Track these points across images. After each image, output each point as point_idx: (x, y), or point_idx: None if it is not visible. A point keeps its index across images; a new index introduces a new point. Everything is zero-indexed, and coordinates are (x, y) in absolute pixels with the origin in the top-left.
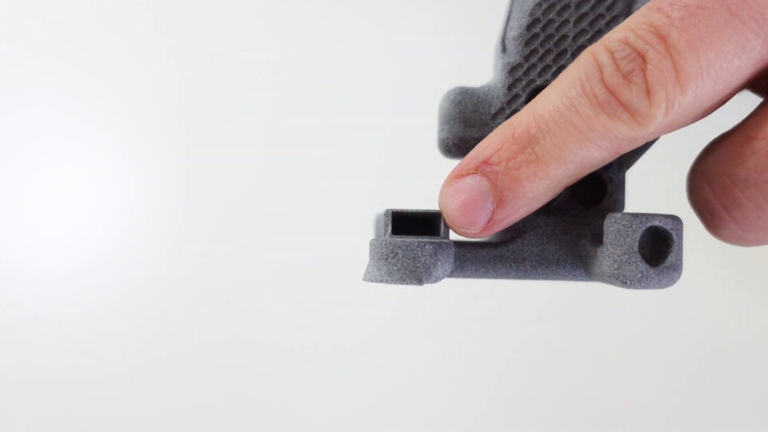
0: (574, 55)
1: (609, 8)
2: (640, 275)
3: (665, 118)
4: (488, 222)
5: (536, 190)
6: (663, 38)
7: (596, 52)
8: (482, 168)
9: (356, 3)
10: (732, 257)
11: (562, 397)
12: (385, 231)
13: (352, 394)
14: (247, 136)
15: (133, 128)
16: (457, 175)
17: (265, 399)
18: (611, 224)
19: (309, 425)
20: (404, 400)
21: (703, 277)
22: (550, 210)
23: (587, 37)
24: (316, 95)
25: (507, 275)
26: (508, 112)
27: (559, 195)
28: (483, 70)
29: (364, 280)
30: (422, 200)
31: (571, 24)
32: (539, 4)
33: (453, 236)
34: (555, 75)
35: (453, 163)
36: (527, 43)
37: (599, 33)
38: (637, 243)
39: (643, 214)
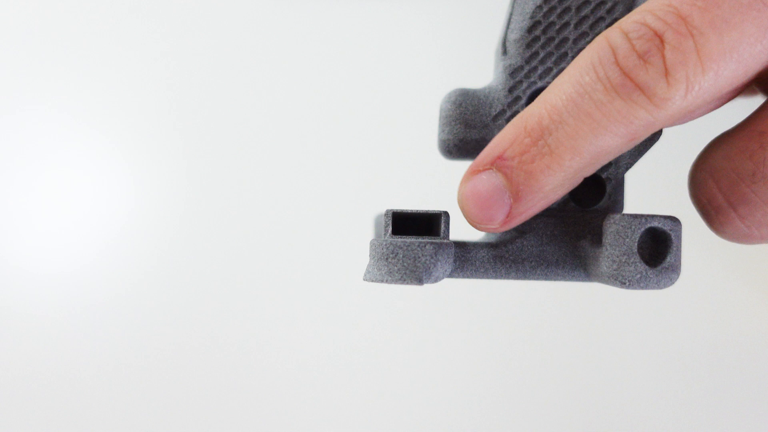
0: (574, 58)
1: (609, 11)
2: (639, 276)
3: (684, 101)
4: (507, 216)
5: (552, 182)
6: (684, 18)
7: (610, 35)
8: (497, 163)
9: (357, 4)
10: (731, 257)
11: (562, 397)
12: (385, 231)
13: (351, 394)
14: (247, 136)
15: (133, 128)
16: (473, 171)
17: (265, 399)
18: (610, 225)
19: (309, 425)
20: (404, 400)
21: (703, 278)
22: (549, 211)
23: (588, 39)
24: (316, 96)
25: (507, 275)
26: (509, 114)
27: None
28: (484, 72)
29: (364, 280)
30: (422, 200)
31: (571, 27)
32: (540, 7)
33: (453, 236)
34: (556, 77)
35: (453, 164)
36: (528, 45)
37: None
38: (636, 244)
39: (642, 215)
